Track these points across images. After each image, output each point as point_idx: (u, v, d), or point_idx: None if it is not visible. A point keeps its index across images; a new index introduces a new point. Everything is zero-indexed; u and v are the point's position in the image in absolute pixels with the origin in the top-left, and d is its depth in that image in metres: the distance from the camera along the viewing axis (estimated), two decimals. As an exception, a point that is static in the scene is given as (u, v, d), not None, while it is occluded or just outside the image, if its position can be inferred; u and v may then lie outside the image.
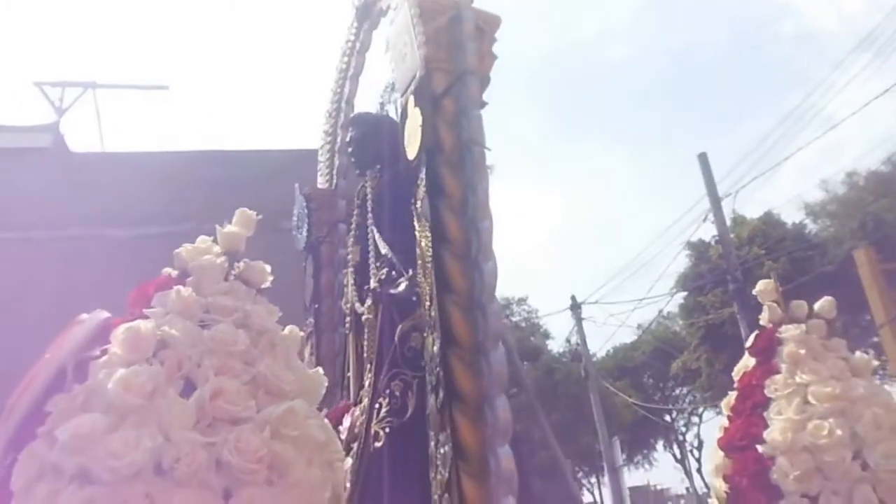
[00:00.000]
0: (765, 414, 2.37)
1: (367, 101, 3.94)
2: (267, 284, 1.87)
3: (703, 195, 13.29)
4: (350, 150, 3.57)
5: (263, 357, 1.65)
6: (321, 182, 4.02)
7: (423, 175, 2.73)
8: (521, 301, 24.84)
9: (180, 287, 1.68)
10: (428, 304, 2.59)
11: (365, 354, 3.02)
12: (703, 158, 13.24)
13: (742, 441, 2.35)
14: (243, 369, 1.60)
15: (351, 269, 3.30)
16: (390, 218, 3.19)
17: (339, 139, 3.98)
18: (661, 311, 20.11)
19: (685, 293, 19.08)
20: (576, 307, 18.37)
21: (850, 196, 17.24)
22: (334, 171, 3.99)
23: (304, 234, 3.86)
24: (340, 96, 3.97)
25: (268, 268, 1.88)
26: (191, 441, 1.45)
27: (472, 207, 2.60)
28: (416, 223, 2.74)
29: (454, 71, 2.79)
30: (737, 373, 2.64)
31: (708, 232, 14.22)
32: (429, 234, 2.61)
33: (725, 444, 2.44)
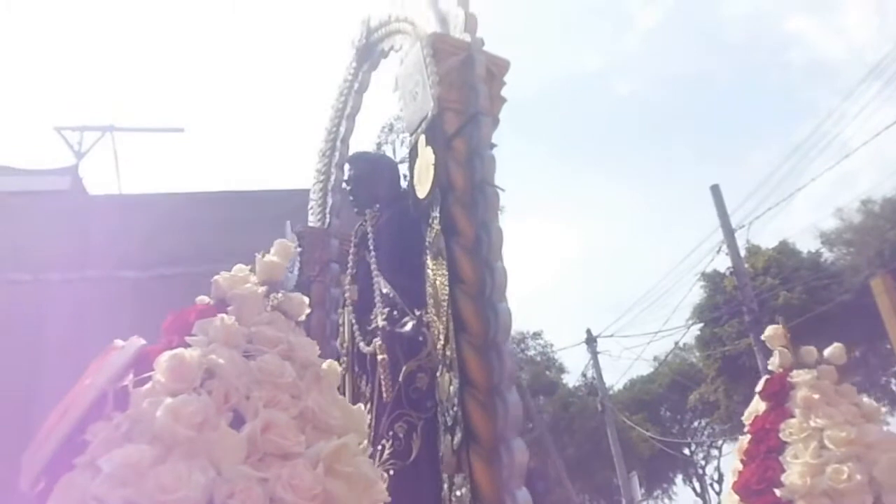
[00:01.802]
0: (780, 458, 2.38)
1: (362, 142, 3.94)
2: (303, 317, 1.81)
3: (716, 226, 13.37)
4: (349, 188, 3.54)
5: (310, 391, 1.59)
6: (313, 221, 3.97)
7: (435, 213, 2.72)
8: (536, 335, 24.46)
9: (223, 315, 1.62)
10: (442, 343, 2.56)
11: (368, 393, 2.94)
12: (715, 190, 13.33)
13: (759, 485, 2.35)
14: (291, 402, 1.54)
15: (350, 308, 3.24)
16: (392, 258, 3.16)
17: (332, 178, 3.95)
18: (677, 344, 19.60)
19: (701, 325, 18.84)
20: (591, 341, 18.19)
21: (866, 224, 17.13)
22: (327, 210, 3.95)
23: (296, 272, 3.79)
24: (336, 135, 3.96)
25: (306, 300, 1.83)
26: (245, 476, 1.37)
27: (486, 247, 2.59)
28: (429, 262, 2.71)
29: (466, 112, 2.81)
30: (747, 417, 2.65)
31: (722, 263, 14.29)
32: (445, 273, 2.59)
33: (741, 489, 2.44)
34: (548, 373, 23.96)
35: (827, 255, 18.57)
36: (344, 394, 3.26)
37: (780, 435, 2.42)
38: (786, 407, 2.50)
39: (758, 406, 2.63)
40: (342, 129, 3.92)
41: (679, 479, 24.59)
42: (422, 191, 2.82)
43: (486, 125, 2.76)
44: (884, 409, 2.56)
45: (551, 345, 24.43)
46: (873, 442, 2.32)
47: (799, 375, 2.53)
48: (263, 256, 1.79)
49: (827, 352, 2.61)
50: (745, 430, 2.62)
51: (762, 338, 2.74)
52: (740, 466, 2.52)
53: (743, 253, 14.23)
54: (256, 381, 1.53)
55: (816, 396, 2.44)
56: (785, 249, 18.57)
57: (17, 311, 6.68)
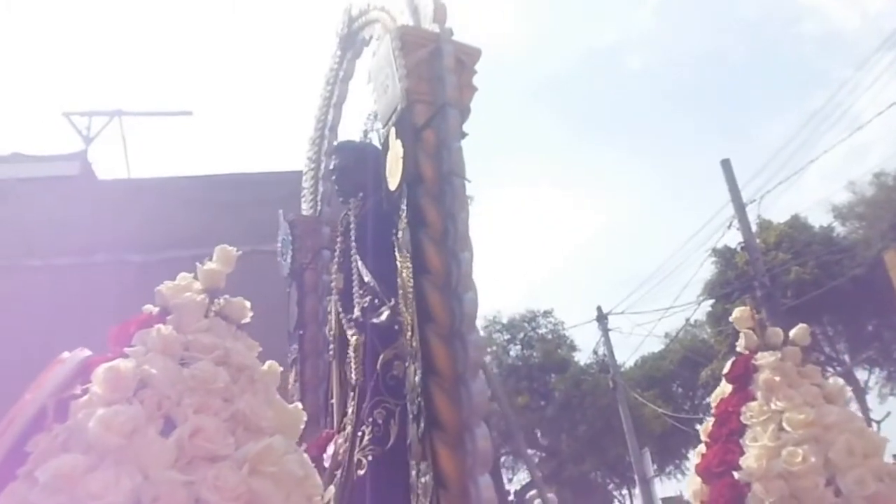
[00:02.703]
0: (741, 441, 2.41)
1: (350, 129, 3.99)
2: (247, 320, 1.89)
3: (727, 201, 13.11)
4: (334, 177, 3.60)
5: (243, 394, 1.68)
6: (305, 209, 4.06)
7: (404, 206, 2.77)
8: (547, 313, 24.75)
9: (161, 325, 1.71)
10: (409, 333, 2.62)
11: (353, 381, 3.03)
12: (726, 165, 13.06)
13: (719, 468, 2.39)
14: (223, 407, 1.62)
15: (335, 297, 3.32)
16: (374, 246, 3.22)
17: (322, 166, 4.02)
18: (688, 320, 19.55)
19: (712, 301, 18.73)
20: (602, 318, 18.13)
21: (879, 197, 16.90)
22: (318, 198, 4.02)
23: (289, 260, 3.88)
24: (324, 124, 4.02)
25: (247, 303, 1.90)
26: (170, 480, 1.46)
27: (453, 238, 2.64)
28: (397, 254, 2.77)
29: (435, 103, 2.84)
30: (714, 399, 2.67)
31: (734, 238, 13.96)
32: (410, 265, 2.64)
33: (702, 471, 2.48)
34: (559, 351, 24.03)
35: (839, 229, 18.32)
36: (330, 381, 3.38)
37: (742, 418, 2.44)
38: (749, 390, 2.52)
39: (724, 388, 2.65)
40: (330, 118, 3.97)
41: (691, 455, 24.27)
42: (392, 183, 2.87)
43: (452, 116, 2.79)
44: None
45: (562, 322, 24.64)
46: (831, 423, 2.33)
47: (763, 358, 2.54)
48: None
49: (792, 333, 2.61)
50: (712, 412, 2.65)
51: (730, 319, 2.75)
52: (704, 449, 2.56)
53: (754, 228, 13.83)
54: (189, 388, 1.62)
55: (778, 379, 2.45)
56: (797, 224, 18.37)
57: (29, 295, 6.90)
